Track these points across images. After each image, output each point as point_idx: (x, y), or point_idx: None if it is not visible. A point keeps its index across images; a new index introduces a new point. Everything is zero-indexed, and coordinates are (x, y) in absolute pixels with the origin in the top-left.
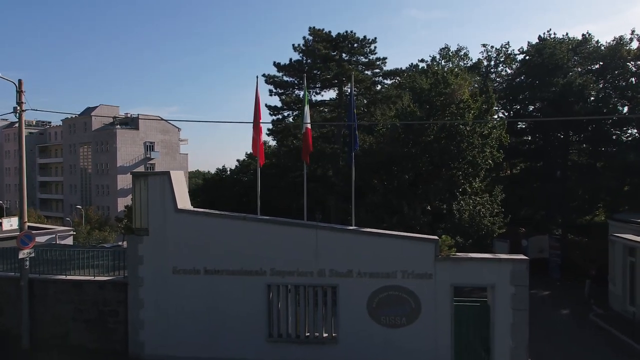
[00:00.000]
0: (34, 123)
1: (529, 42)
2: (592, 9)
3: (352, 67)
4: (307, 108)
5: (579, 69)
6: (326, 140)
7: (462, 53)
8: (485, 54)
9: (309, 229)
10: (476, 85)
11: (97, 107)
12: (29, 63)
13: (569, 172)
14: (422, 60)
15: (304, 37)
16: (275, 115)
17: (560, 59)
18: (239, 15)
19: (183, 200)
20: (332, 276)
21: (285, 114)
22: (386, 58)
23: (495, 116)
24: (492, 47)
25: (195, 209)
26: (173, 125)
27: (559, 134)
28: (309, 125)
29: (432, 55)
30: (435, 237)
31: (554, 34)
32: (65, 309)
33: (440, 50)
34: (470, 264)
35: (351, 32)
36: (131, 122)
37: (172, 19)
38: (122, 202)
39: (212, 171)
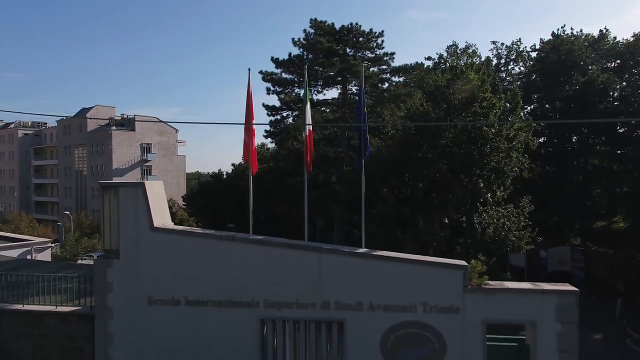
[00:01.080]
0: (30, 124)
1: (541, 39)
2: (592, 10)
3: (358, 62)
4: (308, 107)
5: (597, 67)
6: (329, 142)
7: (470, 50)
8: (495, 52)
9: (311, 252)
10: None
11: (92, 107)
12: (28, 64)
13: (587, 176)
14: (429, 58)
15: (304, 30)
16: (273, 116)
17: (578, 56)
18: (238, 16)
19: (161, 216)
20: (338, 309)
21: (285, 114)
22: (394, 53)
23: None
24: (502, 44)
25: (175, 227)
26: (170, 126)
27: (577, 135)
28: (310, 127)
29: (439, 53)
30: (464, 263)
31: (571, 29)
32: (22, 345)
33: (448, 47)
34: (506, 296)
35: (356, 24)
36: (127, 124)
37: (173, 19)
38: None
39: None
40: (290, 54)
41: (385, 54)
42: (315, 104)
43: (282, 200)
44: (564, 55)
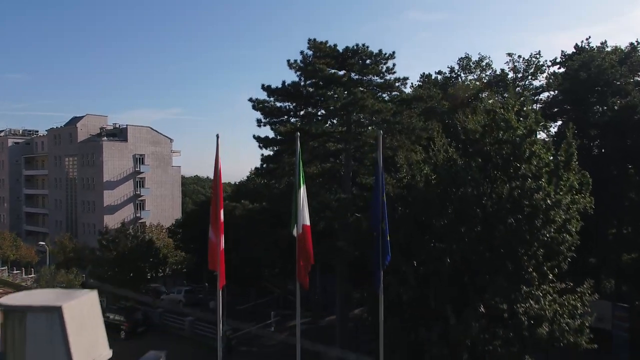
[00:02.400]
0: (20, 132)
1: (563, 52)
2: (593, 11)
3: (364, 90)
4: (302, 192)
5: (632, 86)
6: (329, 178)
7: (484, 63)
8: (511, 64)
9: None
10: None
11: (83, 117)
12: (28, 64)
13: (625, 211)
14: (439, 73)
15: (302, 52)
16: (266, 148)
17: (611, 74)
18: (239, 17)
19: (89, 349)
20: None
21: (277, 146)
22: (407, 78)
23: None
24: (519, 56)
25: None
26: (165, 136)
27: (614, 165)
28: (306, 219)
29: (450, 66)
30: None
31: (604, 42)
32: None
33: (460, 60)
34: None
35: (363, 45)
36: (120, 134)
37: (173, 19)
38: (109, 220)
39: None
40: (284, 82)
41: (397, 80)
42: (315, 136)
43: (271, 247)
44: (594, 74)
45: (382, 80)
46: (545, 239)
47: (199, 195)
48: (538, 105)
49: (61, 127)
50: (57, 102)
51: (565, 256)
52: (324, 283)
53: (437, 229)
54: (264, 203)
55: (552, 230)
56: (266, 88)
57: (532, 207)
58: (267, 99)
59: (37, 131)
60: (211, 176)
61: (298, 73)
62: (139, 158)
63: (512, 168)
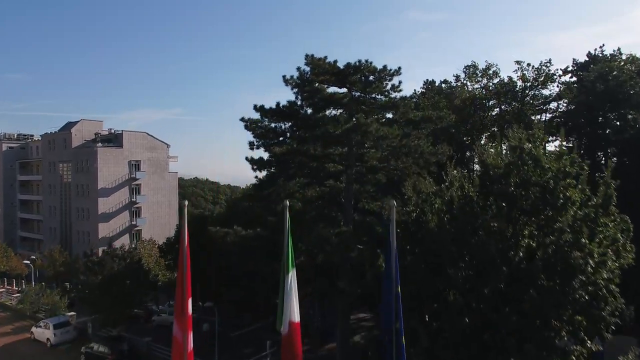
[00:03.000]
0: (15, 136)
1: (574, 59)
2: (593, 11)
3: (368, 111)
4: (291, 275)
5: None
6: (330, 201)
7: (491, 71)
8: (519, 72)
9: None
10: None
11: (78, 122)
12: (28, 64)
13: None
14: (445, 82)
15: (298, 69)
16: (260, 170)
17: (630, 86)
18: (238, 17)
19: None
20: None
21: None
22: (414, 97)
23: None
24: (528, 64)
25: None
26: (161, 141)
27: (635, 186)
28: (295, 315)
29: (456, 74)
30: None
31: (619, 50)
32: None
33: (466, 68)
34: None
35: (366, 61)
36: (115, 139)
37: (173, 20)
38: (103, 229)
39: (218, 179)
40: (278, 103)
41: (404, 99)
42: (313, 157)
43: (267, 282)
44: (612, 87)
45: (386, 99)
46: (583, 300)
47: (198, 198)
48: (547, 114)
49: (55, 132)
50: (57, 102)
51: (607, 323)
52: (324, 309)
53: (453, 280)
54: (258, 229)
55: (592, 292)
56: (259, 108)
57: (568, 266)
58: (261, 119)
59: (32, 135)
60: (211, 178)
61: (295, 90)
62: (135, 164)
63: (543, 217)
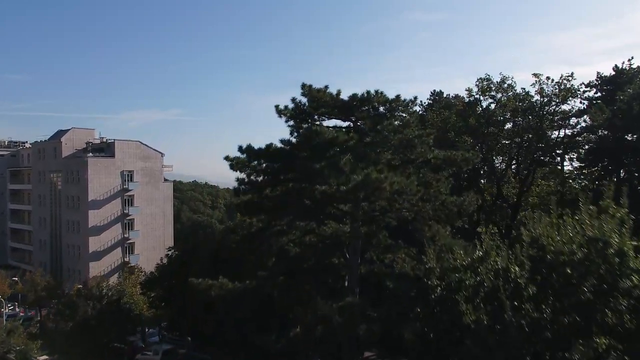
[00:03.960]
0: (6, 143)
1: (599, 73)
2: (592, 11)
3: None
4: None
5: None
6: (332, 248)
7: (506, 85)
8: (537, 86)
9: None
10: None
11: (68, 130)
12: (29, 65)
13: None
14: (456, 97)
15: (293, 100)
16: (249, 216)
17: None
18: (238, 17)
19: None
20: None
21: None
22: (432, 134)
23: None
24: (547, 78)
25: None
26: (155, 150)
27: None
28: None
29: (468, 88)
30: None
31: None
32: None
33: (479, 81)
34: None
35: (376, 92)
36: (107, 148)
37: (173, 20)
38: (94, 242)
39: (218, 179)
40: (269, 146)
41: (421, 136)
42: (313, 198)
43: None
44: None
45: (401, 135)
46: None
47: (197, 202)
48: (566, 130)
49: (45, 140)
50: (58, 103)
51: None
52: None
53: None
54: (247, 282)
55: None
56: (245, 150)
57: None
58: (248, 160)
59: (24, 142)
60: (210, 178)
61: (290, 123)
62: (128, 174)
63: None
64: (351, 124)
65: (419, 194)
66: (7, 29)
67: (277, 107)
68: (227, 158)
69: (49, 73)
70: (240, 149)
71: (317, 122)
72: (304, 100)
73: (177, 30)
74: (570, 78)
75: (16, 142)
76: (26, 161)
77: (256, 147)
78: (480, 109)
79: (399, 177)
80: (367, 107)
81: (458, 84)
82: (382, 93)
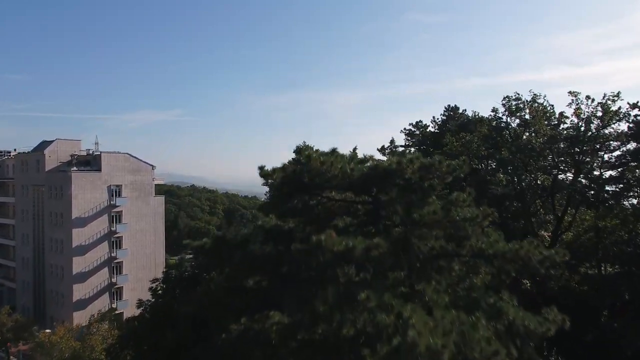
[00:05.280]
0: None
1: None
2: (593, 12)
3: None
4: None
5: None
6: None
7: (536, 104)
8: (574, 105)
9: None
10: None
11: (53, 141)
12: (29, 66)
13: None
14: (480, 120)
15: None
16: None
17: None
18: (238, 18)
19: None
20: None
21: None
22: (489, 215)
23: None
24: (587, 97)
25: None
26: (145, 163)
27: None
28: None
29: (494, 108)
30: None
31: None
32: None
33: (505, 100)
34: None
35: (407, 159)
36: (93, 161)
37: (173, 21)
38: (78, 263)
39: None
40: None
41: (473, 219)
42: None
43: None
44: None
45: (446, 219)
46: None
47: (195, 208)
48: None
49: (28, 152)
50: (58, 103)
51: None
52: None
53: None
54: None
55: None
56: (200, 250)
57: None
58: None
59: (9, 152)
60: (209, 178)
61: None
62: (115, 189)
63: None
64: (370, 204)
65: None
66: (7, 29)
67: (261, 169)
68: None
69: (50, 73)
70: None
71: (320, 197)
72: (303, 169)
73: (177, 31)
74: (615, 98)
75: (1, 152)
76: (11, 172)
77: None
78: (509, 134)
79: (444, 311)
80: (393, 180)
81: (458, 84)
82: (416, 158)
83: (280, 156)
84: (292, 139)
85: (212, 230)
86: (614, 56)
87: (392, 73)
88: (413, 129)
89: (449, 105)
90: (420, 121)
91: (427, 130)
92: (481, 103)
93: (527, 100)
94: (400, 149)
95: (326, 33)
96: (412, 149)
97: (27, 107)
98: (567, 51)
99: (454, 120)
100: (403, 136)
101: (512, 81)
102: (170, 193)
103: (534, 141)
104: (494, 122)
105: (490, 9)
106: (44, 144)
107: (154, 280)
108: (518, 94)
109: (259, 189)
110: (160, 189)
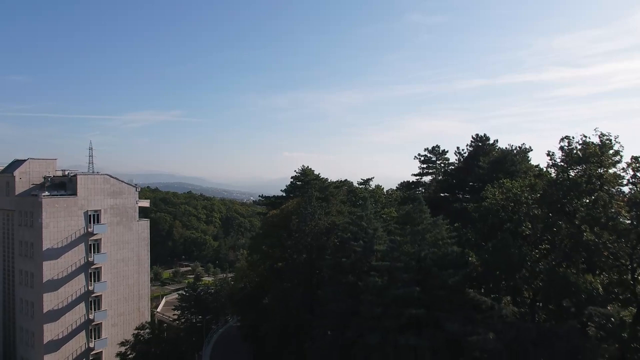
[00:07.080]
0: None
1: None
2: (593, 14)
3: None
4: None
5: None
6: None
7: (611, 151)
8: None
9: None
10: None
11: (25, 161)
12: (30, 67)
13: None
14: (538, 175)
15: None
16: None
17: None
18: (238, 20)
19: None
20: None
21: None
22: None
23: None
24: None
25: None
26: (128, 184)
27: None
28: None
29: (550, 152)
30: None
31: None
32: None
33: (565, 140)
34: None
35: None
36: (69, 184)
37: (173, 21)
38: (49, 300)
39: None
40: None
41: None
42: None
43: None
44: None
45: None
46: None
47: (190, 217)
48: None
49: None
50: (58, 104)
51: None
52: None
53: None
54: None
55: None
56: None
57: None
58: None
59: None
60: (208, 178)
61: None
62: (93, 215)
63: None
64: None
65: None
66: (9, 30)
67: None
68: None
69: (51, 74)
70: None
71: None
72: None
73: (178, 33)
74: None
75: None
76: None
77: None
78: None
79: None
80: None
81: (458, 85)
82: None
83: (281, 156)
84: (292, 140)
85: (208, 241)
86: (614, 57)
87: (393, 73)
88: (429, 155)
89: (477, 135)
90: (437, 146)
91: (446, 156)
92: (481, 102)
93: (596, 144)
94: (414, 178)
95: (327, 35)
96: (429, 177)
97: (29, 108)
98: (567, 53)
99: (484, 153)
100: (417, 163)
101: (512, 81)
102: (166, 201)
103: (607, 203)
104: (549, 168)
105: (491, 10)
106: (15, 164)
107: (124, 343)
108: (585, 136)
109: (259, 190)
110: (155, 196)
